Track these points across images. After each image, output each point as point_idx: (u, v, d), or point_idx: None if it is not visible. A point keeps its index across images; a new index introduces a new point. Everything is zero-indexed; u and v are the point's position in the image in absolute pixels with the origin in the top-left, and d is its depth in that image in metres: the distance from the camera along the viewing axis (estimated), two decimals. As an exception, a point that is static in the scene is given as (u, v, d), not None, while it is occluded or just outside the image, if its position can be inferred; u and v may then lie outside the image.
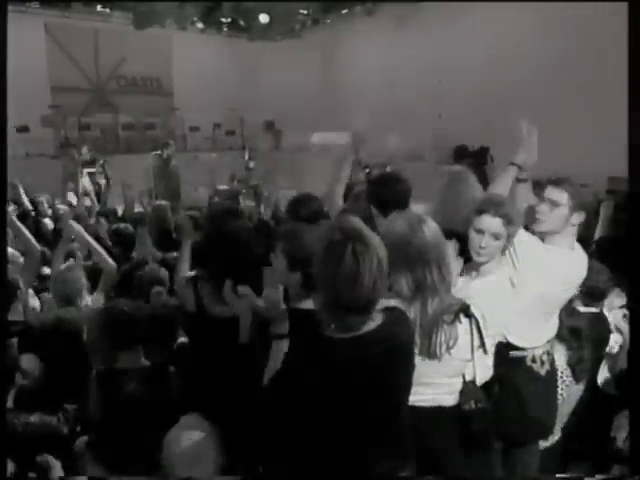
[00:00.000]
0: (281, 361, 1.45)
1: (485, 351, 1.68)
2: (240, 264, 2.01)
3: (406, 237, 1.56)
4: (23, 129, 9.58)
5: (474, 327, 1.57)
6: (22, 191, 5.30)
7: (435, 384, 1.61)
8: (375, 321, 1.36)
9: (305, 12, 10.46)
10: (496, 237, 1.82)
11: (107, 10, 10.94)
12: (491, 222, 1.81)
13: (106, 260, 3.11)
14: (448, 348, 1.53)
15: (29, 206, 5.28)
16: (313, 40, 11.96)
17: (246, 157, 10.13)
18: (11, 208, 5.44)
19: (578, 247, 2.07)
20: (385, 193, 2.22)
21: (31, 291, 3.16)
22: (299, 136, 11.39)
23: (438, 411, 1.63)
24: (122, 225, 4.36)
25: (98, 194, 7.52)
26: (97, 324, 2.09)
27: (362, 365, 1.32)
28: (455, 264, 1.75)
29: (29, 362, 2.04)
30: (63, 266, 3.06)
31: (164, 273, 3.14)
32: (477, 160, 6.43)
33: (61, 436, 1.86)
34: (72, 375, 2.23)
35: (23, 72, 10.14)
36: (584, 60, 6.47)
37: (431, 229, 1.60)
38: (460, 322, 1.56)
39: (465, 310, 1.55)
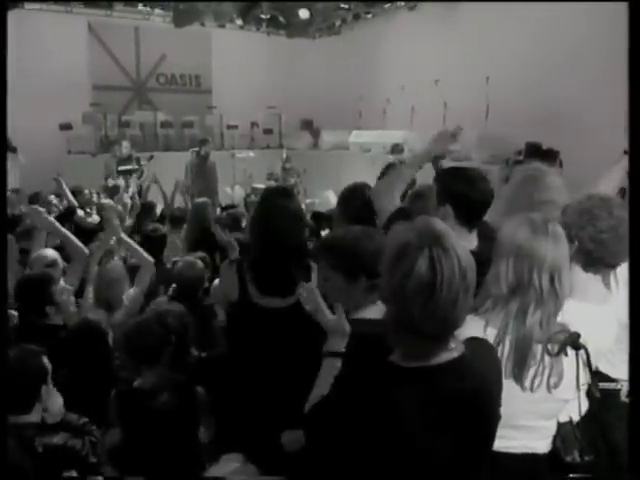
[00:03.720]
0: (330, 385, 1.21)
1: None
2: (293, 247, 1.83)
3: (527, 242, 1.30)
4: (66, 127, 9.69)
5: (581, 361, 1.28)
6: (65, 186, 5.24)
7: (527, 427, 1.33)
8: (453, 352, 1.08)
9: (346, 7, 10.18)
10: None
11: (148, 8, 10.99)
12: None
13: (144, 256, 2.96)
14: (549, 387, 1.24)
15: (74, 202, 5.21)
16: (353, 37, 11.68)
17: (284, 156, 9.93)
18: (55, 201, 5.44)
19: None
20: (467, 192, 1.85)
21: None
22: (337, 135, 11.14)
23: (529, 459, 1.34)
24: (152, 226, 4.20)
25: (139, 191, 7.50)
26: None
27: (431, 406, 1.03)
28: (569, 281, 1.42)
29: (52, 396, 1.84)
30: (108, 265, 2.93)
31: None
32: (546, 162, 5.95)
33: (85, 463, 1.67)
34: (95, 388, 2.06)
35: (67, 71, 10.33)
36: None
37: (557, 235, 1.36)
38: (566, 355, 1.26)
39: (575, 341, 1.25)
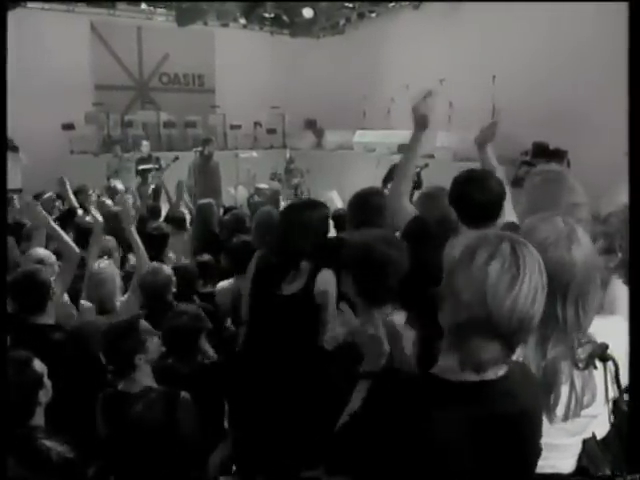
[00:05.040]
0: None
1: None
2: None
3: (543, 247, 1.18)
4: (68, 126, 9.65)
5: (609, 374, 1.19)
6: (69, 188, 5.17)
7: (552, 445, 1.24)
8: (500, 369, 0.99)
9: (350, 6, 10.10)
10: None
11: (151, 7, 10.93)
12: None
13: (146, 260, 2.87)
14: (582, 407, 1.15)
15: (75, 204, 5.14)
16: (357, 36, 11.61)
17: (287, 156, 9.85)
18: (57, 203, 5.37)
19: None
20: (477, 195, 1.81)
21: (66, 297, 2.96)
22: (341, 135, 11.06)
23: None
24: (155, 225, 4.13)
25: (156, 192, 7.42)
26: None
27: (476, 427, 0.93)
28: (600, 295, 1.31)
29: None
30: (96, 265, 2.84)
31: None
32: (554, 161, 5.83)
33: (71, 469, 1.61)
34: (82, 393, 2.00)
35: (69, 70, 10.28)
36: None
37: (583, 245, 1.21)
38: (595, 368, 1.18)
39: (603, 352, 1.17)
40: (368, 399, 1.09)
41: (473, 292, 0.91)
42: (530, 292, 0.91)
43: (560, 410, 1.16)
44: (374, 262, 1.36)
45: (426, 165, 6.61)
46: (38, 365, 1.76)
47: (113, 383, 1.95)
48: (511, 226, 1.78)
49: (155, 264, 2.68)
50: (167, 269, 2.63)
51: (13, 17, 9.30)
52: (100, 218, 3.11)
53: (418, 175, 6.41)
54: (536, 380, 1.11)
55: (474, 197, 1.81)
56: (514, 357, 1.14)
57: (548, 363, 1.16)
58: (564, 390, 1.16)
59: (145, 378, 1.92)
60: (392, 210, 1.99)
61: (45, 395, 1.73)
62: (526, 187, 2.02)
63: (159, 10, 11.02)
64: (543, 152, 6.25)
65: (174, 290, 2.63)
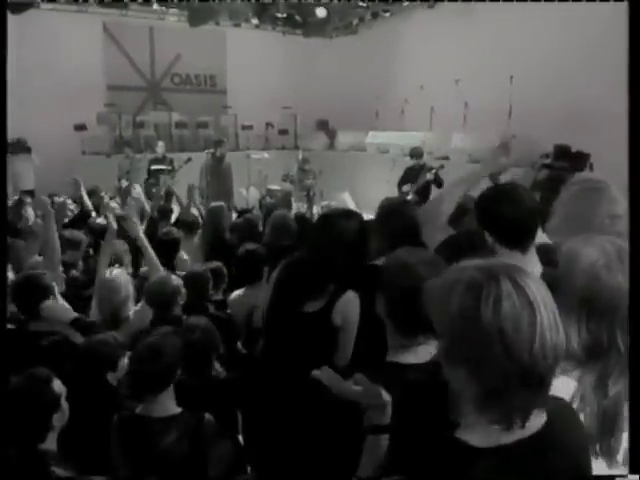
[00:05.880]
0: (375, 466, 1.01)
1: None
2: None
3: (594, 273, 1.06)
4: (81, 127, 9.63)
5: None
6: (83, 190, 5.10)
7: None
8: (538, 418, 0.85)
9: (364, 5, 9.96)
10: None
11: (163, 8, 10.89)
12: None
13: (155, 263, 2.77)
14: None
15: (89, 206, 5.08)
16: (370, 36, 11.48)
17: (300, 157, 9.74)
18: (72, 206, 5.32)
19: None
20: (513, 214, 1.59)
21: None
22: (354, 136, 10.94)
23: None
24: (165, 229, 4.04)
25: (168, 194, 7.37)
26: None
27: None
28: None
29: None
30: (108, 272, 2.74)
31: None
32: (576, 164, 5.63)
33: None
34: (95, 415, 1.88)
35: (82, 71, 10.27)
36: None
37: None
38: None
39: None
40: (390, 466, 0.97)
41: (494, 347, 0.79)
42: (551, 317, 0.81)
43: (621, 455, 1.03)
44: (411, 285, 1.23)
45: (441, 167, 6.48)
46: (57, 386, 1.65)
47: (128, 404, 1.83)
48: (546, 249, 1.63)
49: (163, 273, 2.58)
50: (175, 279, 2.53)
51: (26, 18, 9.32)
52: (114, 225, 3.01)
53: (437, 175, 6.32)
54: (579, 418, 0.98)
55: (509, 216, 1.61)
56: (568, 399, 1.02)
57: (610, 403, 1.03)
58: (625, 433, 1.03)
59: (168, 401, 1.80)
60: (426, 225, 1.84)
61: (60, 419, 1.62)
62: (562, 197, 1.88)
63: (171, 10, 10.97)
64: (565, 155, 6.04)
65: (182, 302, 2.53)
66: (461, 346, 0.83)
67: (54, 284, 2.44)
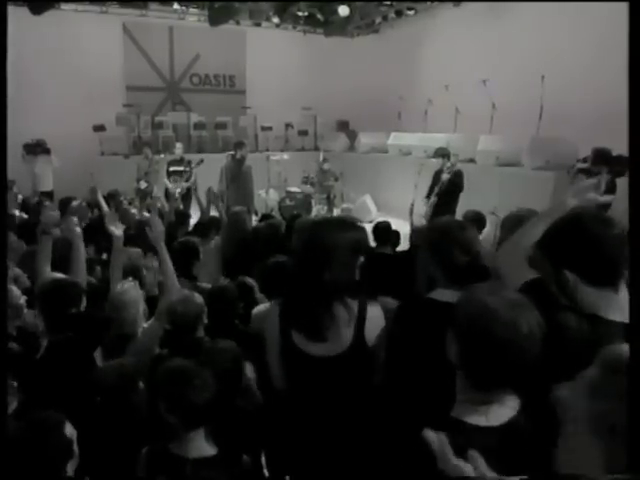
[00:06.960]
0: None
1: None
2: None
3: None
4: (99, 128, 9.56)
5: None
6: (100, 196, 4.97)
7: None
8: None
9: (388, 3, 9.71)
10: None
11: (183, 8, 10.78)
12: None
13: (171, 278, 2.54)
14: None
15: (107, 210, 4.94)
16: (392, 35, 11.22)
17: (320, 158, 9.53)
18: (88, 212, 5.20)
19: None
20: (605, 249, 1.30)
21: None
22: (375, 137, 10.69)
23: None
24: (183, 239, 3.83)
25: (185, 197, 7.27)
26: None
27: None
28: None
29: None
30: (119, 286, 2.56)
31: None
32: (617, 171, 5.30)
33: None
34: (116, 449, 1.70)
35: (101, 71, 10.21)
36: None
37: None
38: None
39: None
40: None
41: None
42: None
43: None
44: (494, 334, 1.01)
45: (453, 165, 6.28)
46: (69, 430, 1.47)
47: (159, 439, 1.63)
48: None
49: (186, 292, 2.38)
50: (198, 297, 2.32)
51: (46, 19, 9.27)
52: (119, 233, 2.79)
53: (455, 173, 6.15)
54: None
55: (600, 252, 1.30)
56: None
57: None
58: None
59: (200, 440, 1.60)
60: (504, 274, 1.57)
61: (73, 465, 1.44)
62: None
63: (191, 10, 10.86)
64: (605, 159, 5.70)
65: (206, 321, 2.33)
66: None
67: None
